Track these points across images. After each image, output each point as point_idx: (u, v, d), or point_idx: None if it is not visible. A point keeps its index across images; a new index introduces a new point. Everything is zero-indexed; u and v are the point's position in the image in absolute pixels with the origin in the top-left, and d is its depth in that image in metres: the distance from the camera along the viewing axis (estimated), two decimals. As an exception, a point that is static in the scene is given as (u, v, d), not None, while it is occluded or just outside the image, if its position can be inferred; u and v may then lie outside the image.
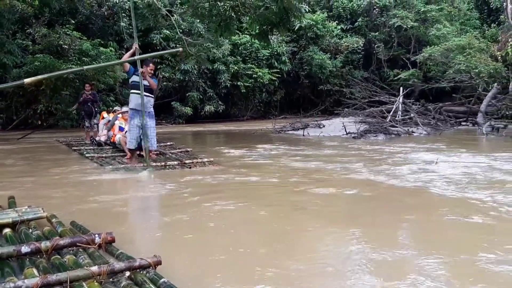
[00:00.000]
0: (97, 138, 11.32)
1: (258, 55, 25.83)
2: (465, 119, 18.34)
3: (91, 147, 10.77)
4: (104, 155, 9.21)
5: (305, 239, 3.79)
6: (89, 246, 3.17)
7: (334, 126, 15.56)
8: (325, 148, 11.19)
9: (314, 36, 27.78)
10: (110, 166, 7.83)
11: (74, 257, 2.98)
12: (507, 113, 17.59)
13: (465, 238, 3.72)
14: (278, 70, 26.34)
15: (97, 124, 12.52)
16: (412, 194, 5.44)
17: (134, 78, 7.59)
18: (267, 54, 25.99)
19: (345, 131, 13.97)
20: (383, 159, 8.64)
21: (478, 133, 14.43)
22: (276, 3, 12.06)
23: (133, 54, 7.35)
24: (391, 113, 17.41)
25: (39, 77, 7.10)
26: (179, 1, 20.62)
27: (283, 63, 26.50)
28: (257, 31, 13.59)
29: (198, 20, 18.94)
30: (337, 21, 29.35)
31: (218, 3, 12.81)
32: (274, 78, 25.99)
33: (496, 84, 18.58)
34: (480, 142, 12.51)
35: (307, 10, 26.38)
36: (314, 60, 27.06)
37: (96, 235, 3.25)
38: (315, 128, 16.23)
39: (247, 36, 24.30)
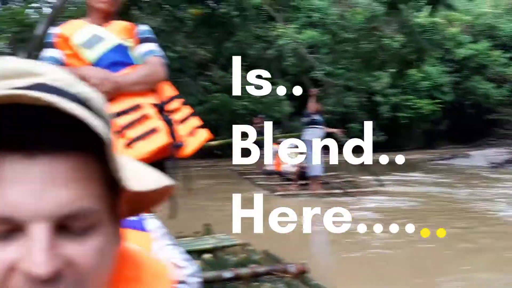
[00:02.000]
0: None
1: (418, 86, 26.34)
2: None
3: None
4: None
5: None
6: (285, 275, 3.27)
7: (480, 156, 15.84)
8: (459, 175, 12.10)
9: (477, 65, 27.37)
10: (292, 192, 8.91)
11: (270, 284, 3.15)
12: None
13: None
14: (440, 101, 26.51)
15: None
16: None
17: (315, 117, 9.62)
18: (428, 85, 26.40)
19: (487, 161, 14.44)
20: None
21: None
22: (411, 44, 13.36)
23: None
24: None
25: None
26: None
27: (444, 94, 26.58)
28: (395, 70, 15.01)
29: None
30: (502, 50, 28.39)
31: (361, 46, 14.57)
32: (436, 108, 26.23)
33: None
34: None
35: (469, 41, 26.44)
36: (478, 90, 26.63)
37: (291, 266, 3.34)
38: (462, 158, 16.72)
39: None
